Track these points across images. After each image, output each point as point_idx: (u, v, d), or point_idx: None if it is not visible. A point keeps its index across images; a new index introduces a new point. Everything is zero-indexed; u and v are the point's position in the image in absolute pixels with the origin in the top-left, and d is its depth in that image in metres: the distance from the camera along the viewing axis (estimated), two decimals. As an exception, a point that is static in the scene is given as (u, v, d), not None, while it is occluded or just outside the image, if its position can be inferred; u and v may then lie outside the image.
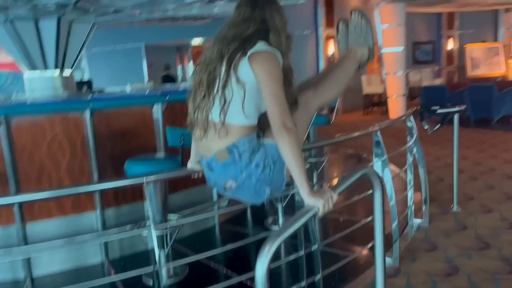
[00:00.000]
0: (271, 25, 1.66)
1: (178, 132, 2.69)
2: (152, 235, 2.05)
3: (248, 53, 1.57)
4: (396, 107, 10.10)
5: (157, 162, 2.68)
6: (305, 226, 2.34)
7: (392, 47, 9.87)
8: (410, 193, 3.55)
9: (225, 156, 1.63)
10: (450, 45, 15.41)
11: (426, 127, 3.88)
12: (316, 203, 1.42)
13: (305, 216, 1.37)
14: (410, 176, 3.57)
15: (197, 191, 3.49)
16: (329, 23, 11.32)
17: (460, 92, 9.29)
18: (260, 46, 1.60)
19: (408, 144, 3.48)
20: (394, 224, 2.91)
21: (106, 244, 3.19)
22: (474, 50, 13.46)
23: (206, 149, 1.70)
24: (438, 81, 13.76)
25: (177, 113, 3.37)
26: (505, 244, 3.15)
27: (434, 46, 15.23)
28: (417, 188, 3.66)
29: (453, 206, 3.92)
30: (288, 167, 1.51)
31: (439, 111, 3.64)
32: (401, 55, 9.95)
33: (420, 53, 14.56)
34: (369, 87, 11.68)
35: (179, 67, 12.54)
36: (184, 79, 11.97)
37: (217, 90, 1.62)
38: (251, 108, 1.63)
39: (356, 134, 2.70)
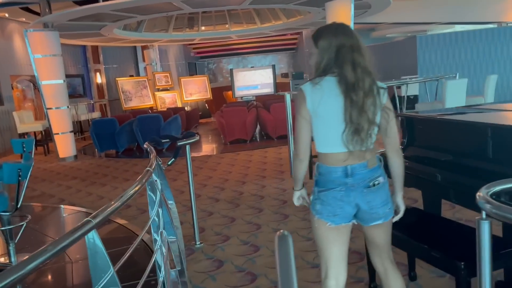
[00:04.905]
0: None
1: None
2: None
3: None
4: (65, 144, 9.11)
5: None
6: None
7: (51, 80, 8.82)
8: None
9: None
10: (99, 78, 15.52)
11: (159, 162, 3.48)
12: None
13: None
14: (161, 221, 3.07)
15: None
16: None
17: (130, 123, 9.37)
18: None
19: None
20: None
21: None
22: (125, 83, 14.02)
23: (356, 156, 1.83)
24: (96, 114, 13.51)
25: None
26: (266, 269, 3.17)
27: (84, 80, 14.91)
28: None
29: (195, 243, 3.69)
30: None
31: (180, 143, 3.33)
32: (62, 87, 9.05)
33: (71, 86, 13.86)
34: (24, 125, 10.05)
35: None
36: None
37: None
38: None
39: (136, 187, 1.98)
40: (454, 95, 6.29)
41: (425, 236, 2.39)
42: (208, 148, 9.66)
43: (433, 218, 2.74)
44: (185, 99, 15.15)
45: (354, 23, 9.66)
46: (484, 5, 12.18)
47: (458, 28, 14.08)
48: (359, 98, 1.74)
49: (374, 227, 1.94)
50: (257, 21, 13.93)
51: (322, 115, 1.80)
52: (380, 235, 1.98)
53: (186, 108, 14.06)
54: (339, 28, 1.84)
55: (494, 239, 2.30)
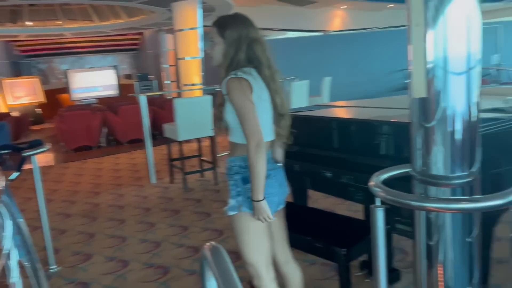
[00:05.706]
0: None
1: None
2: None
3: None
4: None
5: None
6: None
7: None
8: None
9: None
10: None
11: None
12: None
13: None
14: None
15: None
16: None
17: None
18: None
19: None
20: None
21: None
22: None
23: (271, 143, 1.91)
24: None
25: None
26: (140, 284, 2.91)
27: None
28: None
29: (49, 267, 3.19)
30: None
31: (25, 154, 2.80)
32: None
33: None
34: None
35: None
36: None
37: None
38: None
39: None
40: (299, 96, 6.82)
41: (302, 226, 2.48)
42: (47, 157, 8.51)
43: (305, 209, 2.88)
44: (11, 103, 13.19)
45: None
46: (311, 16, 13.59)
47: (289, 35, 15.41)
48: (279, 88, 1.83)
49: (280, 211, 1.98)
50: (94, 18, 12.94)
51: (265, 103, 1.80)
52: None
53: (13, 114, 12.23)
54: (247, 20, 1.82)
55: (357, 223, 2.54)
